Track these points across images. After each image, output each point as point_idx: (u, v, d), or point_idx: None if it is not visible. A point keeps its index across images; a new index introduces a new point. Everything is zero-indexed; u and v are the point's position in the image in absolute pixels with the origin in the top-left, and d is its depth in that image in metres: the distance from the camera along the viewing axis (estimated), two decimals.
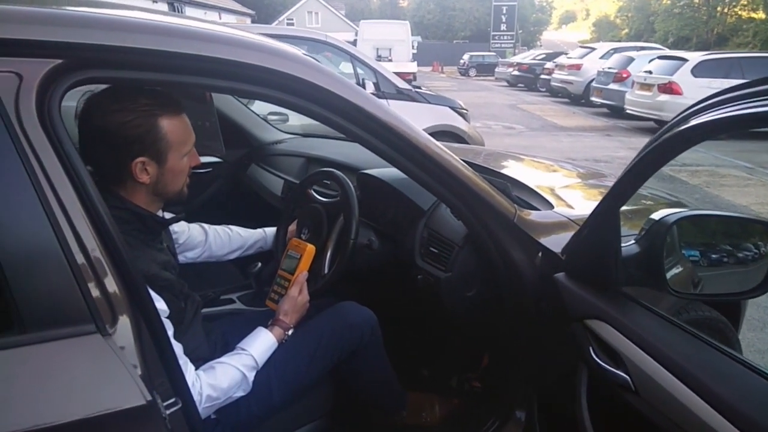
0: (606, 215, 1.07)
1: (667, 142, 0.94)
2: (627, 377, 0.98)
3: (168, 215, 1.33)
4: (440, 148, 1.33)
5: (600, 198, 1.86)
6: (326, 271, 1.53)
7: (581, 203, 1.69)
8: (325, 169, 1.72)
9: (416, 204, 1.66)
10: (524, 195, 1.72)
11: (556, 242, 1.37)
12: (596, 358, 1.06)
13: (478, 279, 1.51)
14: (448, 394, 1.93)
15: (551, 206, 1.60)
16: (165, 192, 1.20)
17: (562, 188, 1.91)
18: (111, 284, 0.90)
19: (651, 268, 1.09)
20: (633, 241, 1.14)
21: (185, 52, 0.97)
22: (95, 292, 0.88)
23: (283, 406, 1.38)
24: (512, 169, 2.23)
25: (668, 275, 1.08)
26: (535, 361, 1.41)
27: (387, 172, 1.79)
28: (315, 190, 1.76)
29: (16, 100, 0.84)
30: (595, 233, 1.10)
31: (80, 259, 0.87)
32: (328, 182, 1.86)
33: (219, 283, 2.01)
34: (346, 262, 1.49)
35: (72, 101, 1.04)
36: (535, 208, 1.57)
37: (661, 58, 10.53)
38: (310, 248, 1.45)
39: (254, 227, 1.85)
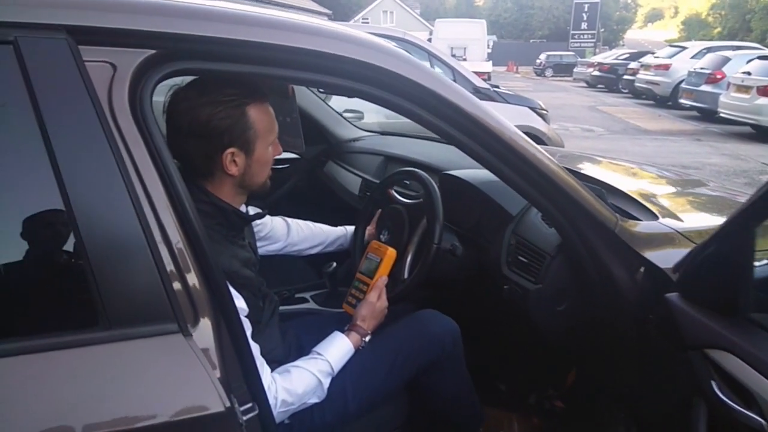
0: (738, 233, 0.93)
1: None
2: (762, 421, 0.85)
3: (251, 211, 1.31)
4: (537, 149, 1.23)
5: (713, 209, 1.69)
6: (406, 276, 1.47)
7: (689, 215, 1.52)
8: (407, 168, 1.64)
9: (504, 208, 1.56)
10: (620, 203, 1.58)
11: (663, 258, 1.23)
12: (721, 395, 0.93)
13: (571, 293, 1.39)
14: (527, 413, 1.82)
15: (654, 217, 1.45)
16: (251, 184, 1.18)
17: (663, 197, 1.74)
18: (194, 282, 0.87)
19: None
20: (766, 262, 1.00)
21: (285, 45, 0.93)
22: (178, 290, 0.85)
23: (357, 416, 1.32)
24: (599, 173, 2.07)
25: None
26: (634, 388, 1.27)
27: (472, 173, 1.69)
28: (396, 191, 1.70)
29: (109, 90, 0.83)
30: (723, 252, 0.96)
31: (165, 254, 0.85)
32: (409, 183, 1.79)
33: (293, 280, 2.00)
34: (428, 267, 1.42)
35: (159, 96, 1.03)
36: (636, 218, 1.43)
37: (761, 58, 9.71)
38: (391, 252, 1.39)
39: (330, 223, 1.81)
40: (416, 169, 1.59)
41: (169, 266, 0.85)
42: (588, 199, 1.26)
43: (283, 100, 1.86)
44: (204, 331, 0.88)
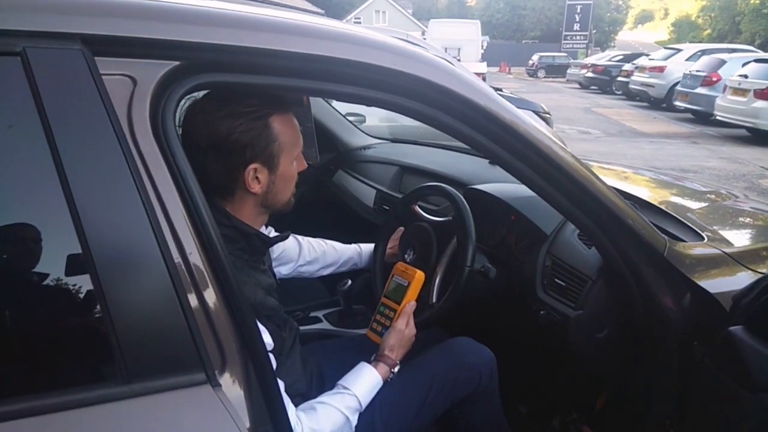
0: None
1: None
2: None
3: (271, 231, 1.21)
4: (577, 161, 1.13)
5: (750, 225, 1.61)
6: (434, 300, 1.37)
7: (733, 234, 1.44)
8: (434, 183, 1.54)
9: (537, 226, 1.47)
10: (655, 219, 1.49)
11: (715, 285, 1.15)
12: None
13: (612, 319, 1.30)
14: None
15: (699, 237, 1.37)
16: (274, 202, 1.09)
17: (698, 213, 1.66)
18: (221, 324, 0.78)
19: None
20: None
21: (318, 54, 0.83)
22: (206, 334, 0.76)
23: None
24: (622, 184, 1.98)
25: None
26: (687, 427, 1.19)
27: (499, 187, 1.60)
28: (420, 206, 1.60)
29: (129, 106, 0.73)
30: None
31: (191, 294, 0.75)
32: (432, 197, 1.69)
33: (304, 299, 1.89)
34: (459, 291, 1.32)
35: None
36: (680, 239, 1.35)
37: (757, 61, 9.73)
38: (420, 275, 1.29)
39: (342, 238, 1.71)
40: (443, 185, 1.49)
41: (196, 308, 0.75)
42: (636, 219, 1.17)
43: (298, 108, 1.76)
44: (233, 378, 0.79)
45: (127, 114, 0.73)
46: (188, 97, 1.00)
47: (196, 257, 0.75)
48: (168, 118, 0.76)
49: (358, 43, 0.90)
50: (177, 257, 0.73)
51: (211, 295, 0.76)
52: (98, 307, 0.69)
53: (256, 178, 1.02)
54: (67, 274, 0.71)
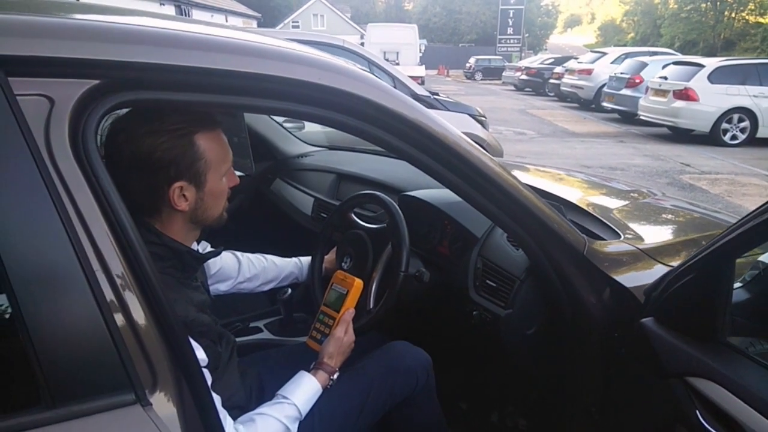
0: (720, 264, 0.93)
1: None
2: None
3: (204, 247, 1.20)
4: (500, 167, 1.19)
5: (666, 222, 1.72)
6: (371, 306, 1.39)
7: (648, 231, 1.54)
8: (368, 192, 1.57)
9: (468, 230, 1.52)
10: (578, 218, 1.58)
11: (630, 280, 1.23)
12: (707, 425, 0.92)
13: (539, 316, 1.37)
14: None
15: (616, 235, 1.46)
16: (204, 218, 1.07)
17: (618, 211, 1.76)
18: (151, 343, 0.77)
19: (765, 318, 0.95)
20: (739, 285, 1.00)
21: (244, 71, 0.84)
22: (134, 353, 0.75)
23: None
24: (549, 185, 2.08)
25: None
26: (609, 412, 1.26)
27: (432, 193, 1.65)
28: (355, 213, 1.62)
29: (46, 127, 0.71)
30: (702, 280, 0.96)
31: (118, 314, 0.74)
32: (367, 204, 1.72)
33: (244, 309, 1.88)
34: (395, 296, 1.35)
35: None
36: (600, 237, 1.43)
37: (676, 63, 10.37)
38: (359, 283, 1.31)
39: (280, 247, 1.71)
40: (378, 193, 1.52)
41: (123, 327, 0.74)
42: (556, 220, 1.24)
43: (230, 119, 1.75)
44: (165, 396, 0.78)
45: (45, 135, 0.71)
46: (109, 115, 0.99)
47: (122, 277, 0.75)
48: (89, 137, 0.75)
49: (283, 60, 0.91)
50: (102, 277, 0.73)
51: (139, 314, 0.76)
52: (17, 329, 0.68)
53: (183, 195, 1.01)
54: None
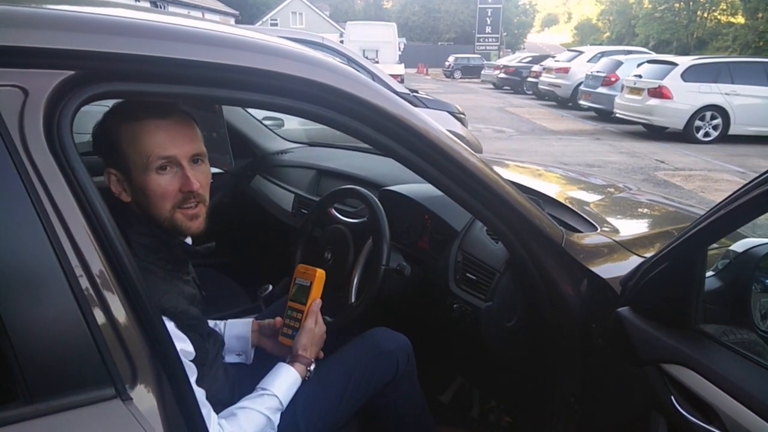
0: (692, 253, 0.95)
1: None
2: None
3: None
4: (481, 162, 1.20)
5: (641, 216, 1.75)
6: (353, 300, 1.40)
7: (624, 224, 1.57)
8: (348, 186, 1.57)
9: (448, 224, 1.54)
10: (557, 212, 1.60)
11: (607, 271, 1.26)
12: (682, 411, 0.94)
13: (519, 308, 1.39)
14: (472, 427, 1.81)
15: (593, 227, 1.48)
16: (152, 217, 1.02)
17: (594, 205, 1.79)
18: (131, 337, 0.76)
19: (736, 305, 0.97)
20: (711, 274, 1.03)
21: (220, 63, 0.83)
22: (114, 348, 0.74)
23: None
24: (528, 181, 2.11)
25: (756, 313, 0.97)
26: (580, 398, 1.29)
27: (413, 188, 1.66)
28: (335, 208, 1.62)
29: (20, 119, 0.70)
30: (675, 269, 0.98)
31: (96, 307, 0.73)
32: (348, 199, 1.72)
33: (225, 307, 1.87)
34: (376, 290, 1.36)
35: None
36: (577, 230, 1.46)
37: (650, 62, 10.55)
38: (321, 273, 1.29)
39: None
40: (358, 188, 1.53)
41: (101, 321, 0.73)
42: (535, 213, 1.26)
43: (208, 114, 1.73)
44: (145, 390, 0.77)
45: (19, 127, 0.70)
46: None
47: (100, 270, 0.74)
48: (64, 129, 0.74)
49: (263, 52, 0.91)
50: (79, 271, 0.72)
51: (118, 308, 0.75)
52: None
53: (120, 184, 1.00)
54: None
